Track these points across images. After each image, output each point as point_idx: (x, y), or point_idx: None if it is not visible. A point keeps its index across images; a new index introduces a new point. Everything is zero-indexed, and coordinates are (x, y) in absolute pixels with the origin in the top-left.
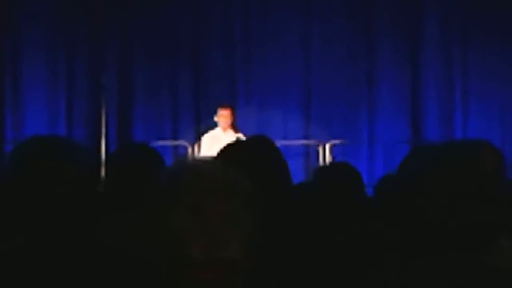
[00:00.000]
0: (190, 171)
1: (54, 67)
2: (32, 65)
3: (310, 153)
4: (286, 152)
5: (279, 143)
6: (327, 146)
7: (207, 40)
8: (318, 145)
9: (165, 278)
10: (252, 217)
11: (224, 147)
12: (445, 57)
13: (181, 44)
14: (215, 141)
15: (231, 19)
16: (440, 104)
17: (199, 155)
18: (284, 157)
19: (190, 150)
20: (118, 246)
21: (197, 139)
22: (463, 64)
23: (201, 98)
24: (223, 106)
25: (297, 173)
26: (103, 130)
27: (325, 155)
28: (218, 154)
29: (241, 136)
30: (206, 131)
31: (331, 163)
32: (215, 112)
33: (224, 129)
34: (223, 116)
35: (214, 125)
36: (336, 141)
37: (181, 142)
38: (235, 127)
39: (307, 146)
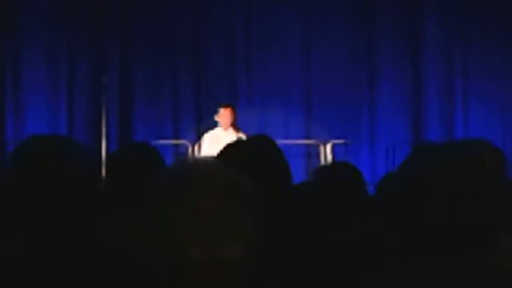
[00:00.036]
0: (190, 171)
1: (54, 67)
2: (32, 65)
3: (311, 153)
4: (287, 152)
5: (280, 143)
6: (328, 146)
7: (208, 39)
8: (319, 145)
9: (165, 278)
10: (252, 217)
11: (225, 147)
12: (446, 57)
13: (181, 44)
14: (215, 140)
15: (231, 19)
16: (441, 103)
17: (200, 154)
18: (286, 156)
19: (190, 149)
20: (119, 245)
21: (198, 138)
22: (463, 64)
23: (202, 98)
24: (224, 105)
25: (298, 173)
26: (104, 130)
27: (326, 154)
28: (219, 154)
29: (242, 135)
30: (206, 131)
31: (332, 163)
32: (215, 112)
33: (225, 128)
34: (223, 115)
35: (214, 124)
36: (337, 141)
37: (182, 142)
38: (236, 126)
39: (308, 146)
